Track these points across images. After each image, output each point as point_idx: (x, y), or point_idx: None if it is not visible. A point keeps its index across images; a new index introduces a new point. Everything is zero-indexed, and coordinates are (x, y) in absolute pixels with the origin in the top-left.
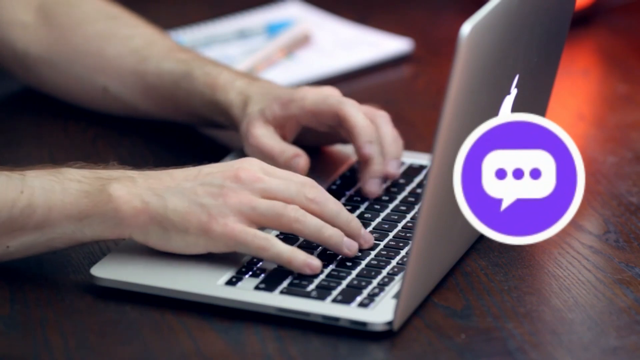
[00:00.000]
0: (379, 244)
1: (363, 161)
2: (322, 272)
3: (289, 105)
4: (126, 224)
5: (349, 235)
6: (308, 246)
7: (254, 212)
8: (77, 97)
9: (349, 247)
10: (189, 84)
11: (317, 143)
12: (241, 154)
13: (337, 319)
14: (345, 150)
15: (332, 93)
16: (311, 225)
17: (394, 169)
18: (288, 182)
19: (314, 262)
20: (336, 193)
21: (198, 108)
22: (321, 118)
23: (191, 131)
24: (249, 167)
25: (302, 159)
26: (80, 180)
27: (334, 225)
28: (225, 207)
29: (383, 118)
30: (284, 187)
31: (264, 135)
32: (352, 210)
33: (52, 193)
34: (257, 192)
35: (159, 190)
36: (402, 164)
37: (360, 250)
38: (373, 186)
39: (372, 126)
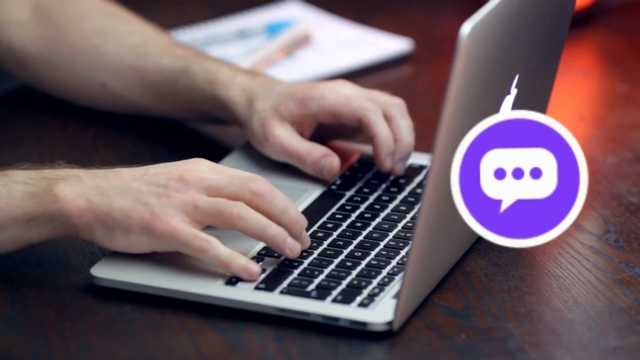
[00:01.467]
0: (379, 244)
1: (380, 168)
2: (322, 272)
3: (307, 104)
4: (72, 223)
5: (290, 234)
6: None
7: (196, 210)
8: (76, 94)
9: (292, 248)
10: (188, 79)
11: (322, 138)
12: (243, 152)
13: (337, 319)
14: (345, 149)
15: (352, 94)
16: (254, 222)
17: (399, 170)
18: (232, 177)
19: (253, 267)
20: (336, 193)
21: (197, 104)
22: (341, 119)
23: (192, 131)
24: (195, 167)
25: (334, 158)
26: (26, 182)
27: (279, 222)
28: (169, 207)
29: (397, 109)
30: (228, 183)
31: (285, 134)
32: (351, 210)
33: None
34: (202, 191)
35: (104, 189)
36: None
37: (361, 249)
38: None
39: (392, 137)
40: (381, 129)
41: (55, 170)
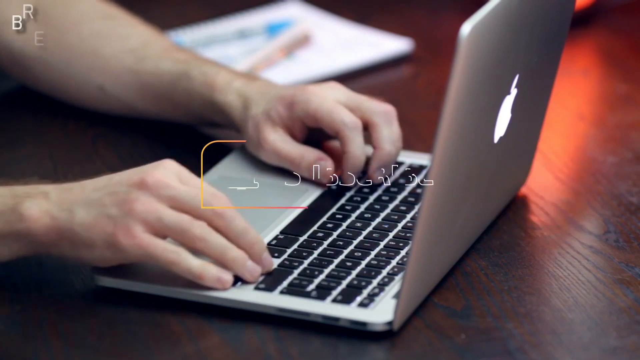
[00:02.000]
0: (379, 244)
1: (342, 182)
2: (322, 272)
3: (294, 107)
4: (39, 242)
5: (250, 256)
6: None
7: (159, 222)
8: (74, 96)
9: (251, 272)
10: (186, 84)
11: (319, 139)
12: (243, 153)
13: (337, 319)
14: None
15: (337, 100)
16: (215, 245)
17: (376, 177)
18: (197, 191)
19: (225, 276)
20: (336, 193)
21: (196, 108)
22: (321, 126)
23: (192, 130)
24: (160, 171)
25: (327, 162)
26: None
27: (238, 243)
28: (131, 217)
29: (381, 117)
30: (192, 197)
31: (278, 139)
32: (351, 210)
33: None
34: (164, 200)
35: (67, 203)
36: (402, 163)
37: (361, 249)
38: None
39: (362, 158)
40: (353, 148)
41: (25, 187)
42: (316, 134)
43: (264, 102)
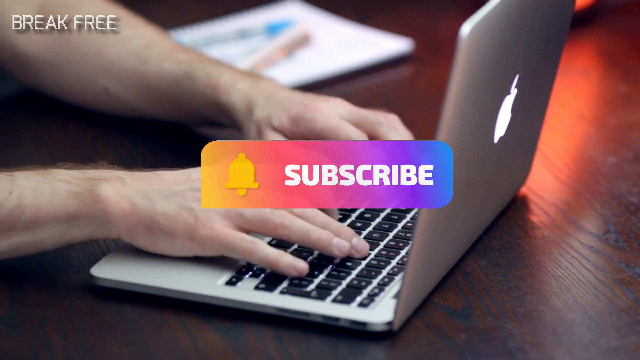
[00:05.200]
0: (379, 244)
1: None
2: (322, 272)
3: (299, 123)
4: (114, 224)
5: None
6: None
7: (240, 217)
8: (78, 98)
9: (339, 247)
10: (190, 85)
11: None
12: None
13: (337, 319)
14: None
15: (342, 116)
16: (298, 229)
17: None
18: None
19: (300, 264)
20: None
21: (199, 109)
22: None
23: (192, 131)
24: None
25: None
26: (69, 181)
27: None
28: (213, 212)
29: (385, 128)
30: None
31: None
32: (352, 210)
33: (40, 194)
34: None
35: (147, 192)
36: None
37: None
38: None
39: None
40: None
41: (98, 170)
42: None
43: (268, 108)
